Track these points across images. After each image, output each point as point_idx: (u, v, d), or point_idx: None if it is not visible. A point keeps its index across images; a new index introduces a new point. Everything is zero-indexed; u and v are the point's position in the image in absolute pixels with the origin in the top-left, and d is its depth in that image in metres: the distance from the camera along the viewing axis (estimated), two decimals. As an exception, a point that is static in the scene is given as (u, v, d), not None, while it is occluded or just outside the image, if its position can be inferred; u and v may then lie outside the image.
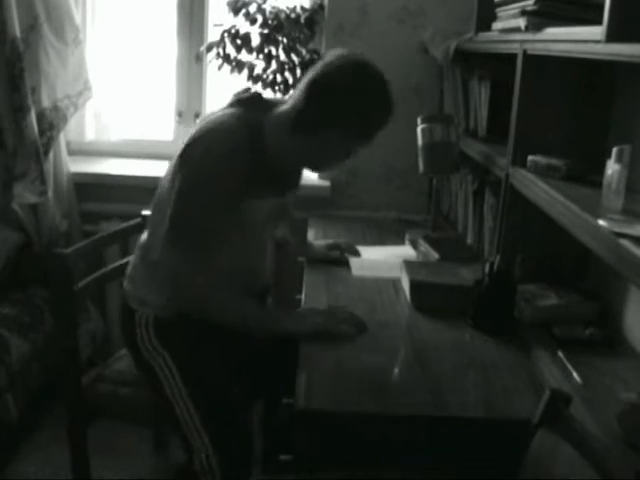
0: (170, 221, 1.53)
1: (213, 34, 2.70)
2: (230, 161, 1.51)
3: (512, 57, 1.76)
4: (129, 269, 1.75)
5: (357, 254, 2.13)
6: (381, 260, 2.11)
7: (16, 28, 2.42)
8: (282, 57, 2.63)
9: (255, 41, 2.61)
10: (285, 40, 2.61)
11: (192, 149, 1.54)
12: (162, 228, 1.55)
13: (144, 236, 1.73)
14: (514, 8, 1.77)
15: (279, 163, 1.64)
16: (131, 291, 1.71)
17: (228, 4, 2.61)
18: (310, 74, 1.60)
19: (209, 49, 2.62)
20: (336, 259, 2.09)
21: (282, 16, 2.60)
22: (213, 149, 1.52)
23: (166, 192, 1.59)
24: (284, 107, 1.62)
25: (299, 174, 1.86)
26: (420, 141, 2.21)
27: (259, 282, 1.82)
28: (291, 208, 1.95)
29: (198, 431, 1.58)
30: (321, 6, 2.70)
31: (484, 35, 2.17)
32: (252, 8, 2.60)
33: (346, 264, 2.06)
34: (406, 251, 2.21)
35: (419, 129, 2.21)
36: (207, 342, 1.66)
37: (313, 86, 1.57)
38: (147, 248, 1.67)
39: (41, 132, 2.54)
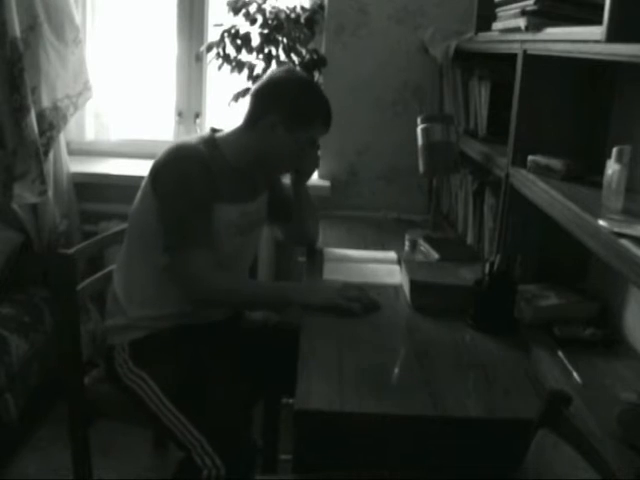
0: (165, 228, 1.68)
1: (213, 34, 2.70)
2: (193, 161, 1.70)
3: (512, 57, 1.76)
4: (107, 304, 1.85)
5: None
6: (356, 265, 2.07)
7: (16, 28, 2.42)
8: (282, 57, 2.63)
9: (255, 41, 2.61)
10: (285, 40, 2.61)
11: (158, 163, 1.73)
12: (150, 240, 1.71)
13: (121, 257, 1.83)
14: (514, 8, 1.77)
15: (238, 163, 1.79)
16: (108, 324, 1.81)
17: (228, 4, 2.61)
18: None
19: (209, 49, 2.62)
20: None
21: (282, 16, 2.60)
22: (177, 155, 1.72)
23: (138, 213, 1.77)
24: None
25: (269, 180, 1.96)
26: (420, 141, 2.21)
27: None
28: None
29: (191, 432, 1.58)
30: (321, 6, 2.70)
31: (484, 35, 2.17)
32: (252, 8, 2.60)
33: None
34: (387, 256, 2.17)
35: (419, 129, 2.21)
36: (181, 351, 1.73)
37: (253, 92, 1.82)
38: (127, 266, 1.80)
39: (41, 132, 2.54)
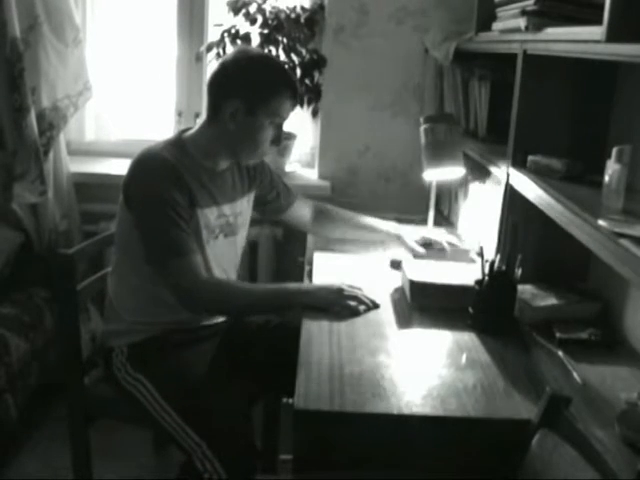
0: (145, 243, 1.65)
1: (213, 34, 2.70)
2: (160, 170, 1.66)
3: (512, 57, 1.76)
4: (105, 307, 1.86)
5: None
6: (349, 267, 2.06)
7: (16, 28, 2.42)
8: (282, 57, 2.63)
9: (255, 41, 2.61)
10: (285, 40, 2.61)
11: (126, 179, 1.70)
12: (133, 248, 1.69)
13: (113, 264, 1.83)
14: (514, 8, 1.77)
15: (208, 162, 1.76)
16: (107, 328, 1.81)
17: (228, 4, 2.61)
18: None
19: (209, 49, 2.62)
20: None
21: (282, 16, 2.60)
22: (142, 167, 1.69)
23: (120, 225, 1.75)
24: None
25: (243, 179, 1.91)
26: (423, 141, 2.21)
27: None
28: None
29: (191, 437, 1.58)
30: (321, 6, 2.70)
31: (484, 35, 2.17)
32: (252, 8, 2.60)
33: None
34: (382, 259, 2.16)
35: (422, 129, 2.21)
36: (180, 354, 1.73)
37: (207, 84, 1.75)
38: (118, 273, 1.80)
39: (41, 132, 2.54)
